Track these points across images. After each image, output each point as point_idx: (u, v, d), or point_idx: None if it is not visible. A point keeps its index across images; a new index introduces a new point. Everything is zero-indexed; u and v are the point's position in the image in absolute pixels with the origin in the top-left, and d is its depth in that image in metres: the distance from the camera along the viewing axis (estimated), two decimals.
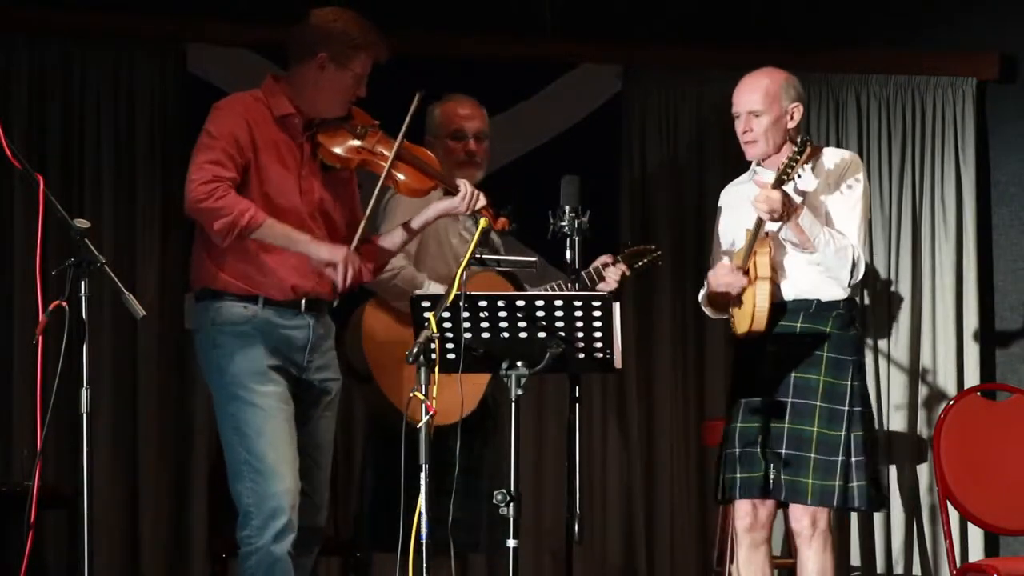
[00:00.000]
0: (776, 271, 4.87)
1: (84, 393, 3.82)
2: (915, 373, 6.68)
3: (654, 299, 6.64)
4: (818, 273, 4.88)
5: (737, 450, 4.89)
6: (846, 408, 4.84)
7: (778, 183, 4.75)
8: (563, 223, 4.43)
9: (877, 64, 6.77)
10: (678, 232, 6.60)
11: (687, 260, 6.65)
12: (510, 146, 6.20)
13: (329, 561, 5.99)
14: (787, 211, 4.75)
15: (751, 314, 4.84)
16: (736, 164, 5.08)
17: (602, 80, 6.55)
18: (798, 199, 4.83)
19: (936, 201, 6.73)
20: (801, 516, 4.88)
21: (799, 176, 4.82)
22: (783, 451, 4.82)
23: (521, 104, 6.38)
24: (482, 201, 4.62)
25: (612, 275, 5.09)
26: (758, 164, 5.02)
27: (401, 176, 4.61)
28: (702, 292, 5.08)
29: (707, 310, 5.11)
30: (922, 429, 6.65)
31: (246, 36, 6.15)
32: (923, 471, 6.64)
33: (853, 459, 4.82)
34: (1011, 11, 6.66)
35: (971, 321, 6.68)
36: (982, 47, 6.73)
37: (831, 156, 4.97)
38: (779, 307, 4.89)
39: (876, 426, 5.14)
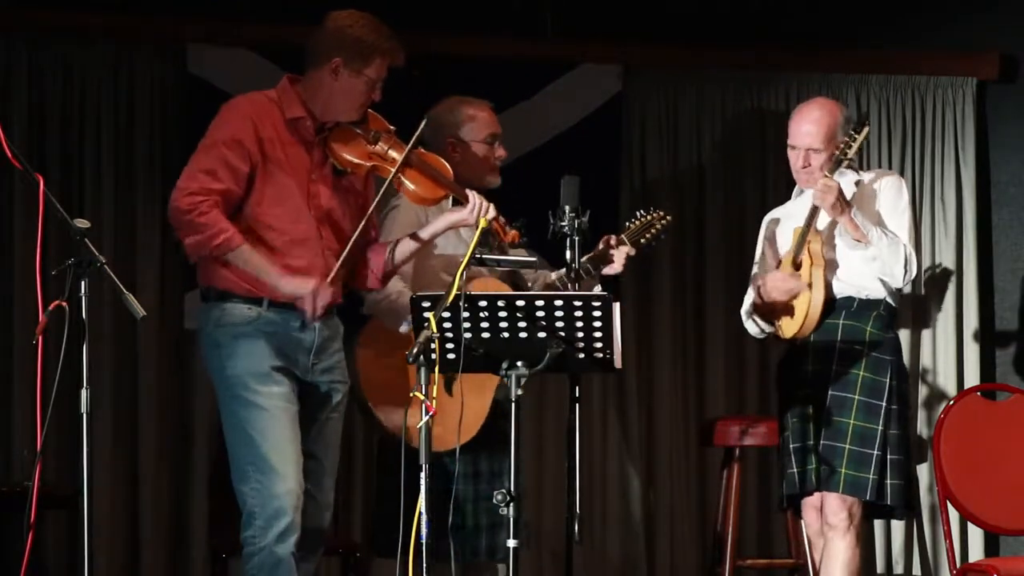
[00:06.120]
0: (826, 263, 5.04)
1: (84, 393, 3.82)
2: (915, 373, 6.67)
3: (654, 299, 6.63)
4: (866, 266, 5.02)
5: (792, 446, 5.06)
6: (883, 404, 4.98)
7: (836, 164, 4.94)
8: (563, 223, 4.43)
9: (877, 64, 6.77)
10: (678, 232, 6.58)
11: (687, 260, 6.65)
12: (510, 146, 6.15)
13: (329, 561, 5.99)
14: (842, 203, 4.90)
15: (801, 322, 5.02)
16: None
17: (602, 80, 6.54)
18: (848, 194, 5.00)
19: (936, 201, 6.73)
20: (838, 510, 4.99)
21: (852, 159, 4.98)
22: (821, 442, 4.97)
23: (521, 104, 6.36)
24: (492, 213, 4.56)
25: (619, 257, 4.97)
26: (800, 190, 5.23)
27: (410, 184, 4.55)
28: (746, 305, 5.20)
29: (750, 324, 5.24)
30: (922, 429, 6.64)
31: (246, 36, 6.14)
32: (923, 471, 6.63)
33: (890, 456, 4.97)
34: (1011, 11, 6.66)
35: (971, 321, 6.67)
36: (982, 47, 6.72)
37: (874, 174, 5.18)
38: (827, 307, 5.03)
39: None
